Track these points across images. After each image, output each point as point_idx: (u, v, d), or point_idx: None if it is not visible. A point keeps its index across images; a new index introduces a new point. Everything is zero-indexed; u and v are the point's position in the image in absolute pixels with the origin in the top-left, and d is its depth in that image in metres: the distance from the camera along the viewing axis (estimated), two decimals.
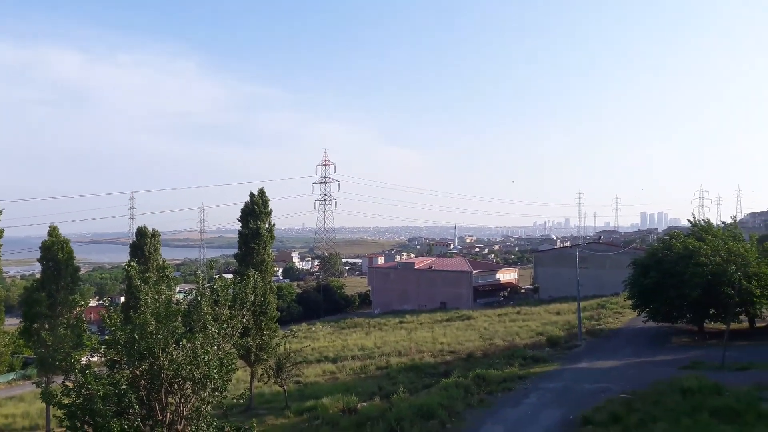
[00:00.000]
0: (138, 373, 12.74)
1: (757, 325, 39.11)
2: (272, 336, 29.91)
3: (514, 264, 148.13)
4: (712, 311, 37.07)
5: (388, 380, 32.11)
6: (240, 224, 31.87)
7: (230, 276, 21.57)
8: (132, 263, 15.39)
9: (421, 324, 60.86)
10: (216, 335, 13.83)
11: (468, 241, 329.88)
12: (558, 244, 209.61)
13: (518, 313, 61.20)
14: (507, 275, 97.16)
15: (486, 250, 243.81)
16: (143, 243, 38.71)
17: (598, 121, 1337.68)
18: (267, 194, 32.37)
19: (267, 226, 31.73)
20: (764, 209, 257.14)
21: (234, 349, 15.21)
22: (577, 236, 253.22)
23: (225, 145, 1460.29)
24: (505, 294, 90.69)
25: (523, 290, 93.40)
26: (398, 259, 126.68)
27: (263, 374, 29.40)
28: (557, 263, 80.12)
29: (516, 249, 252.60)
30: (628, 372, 27.72)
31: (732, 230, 42.29)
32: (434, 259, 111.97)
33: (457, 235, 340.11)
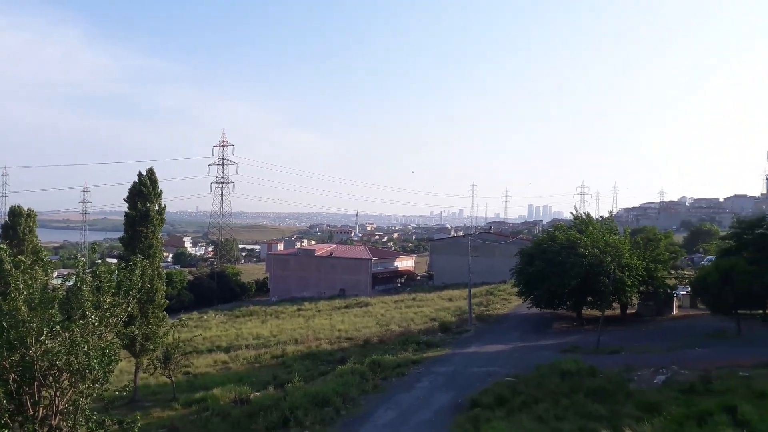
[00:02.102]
0: (6, 365, 11.73)
1: (628, 311, 42.58)
2: (160, 325, 28.58)
3: (411, 252, 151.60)
4: (589, 299, 39.91)
5: (283, 369, 31.84)
6: (127, 205, 30.14)
7: (115, 261, 20.36)
8: (3, 245, 14.09)
9: (319, 311, 60.84)
10: (97, 324, 13.02)
11: (369, 228, 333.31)
12: (452, 233, 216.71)
13: (414, 299, 62.76)
14: (404, 263, 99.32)
15: (385, 238, 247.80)
16: (17, 223, 35.94)
17: (489, 116, 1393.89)
18: (157, 174, 30.88)
19: (157, 208, 30.23)
20: (637, 205, 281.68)
21: (117, 339, 14.40)
22: (469, 226, 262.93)
23: (113, 119, 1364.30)
24: (402, 281, 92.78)
25: (419, 277, 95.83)
26: (298, 245, 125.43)
27: (149, 365, 28.12)
28: (451, 251, 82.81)
29: (414, 237, 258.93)
30: (514, 356, 29.25)
31: (609, 224, 45.81)
32: (335, 246, 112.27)
33: (358, 222, 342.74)
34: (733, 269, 30.94)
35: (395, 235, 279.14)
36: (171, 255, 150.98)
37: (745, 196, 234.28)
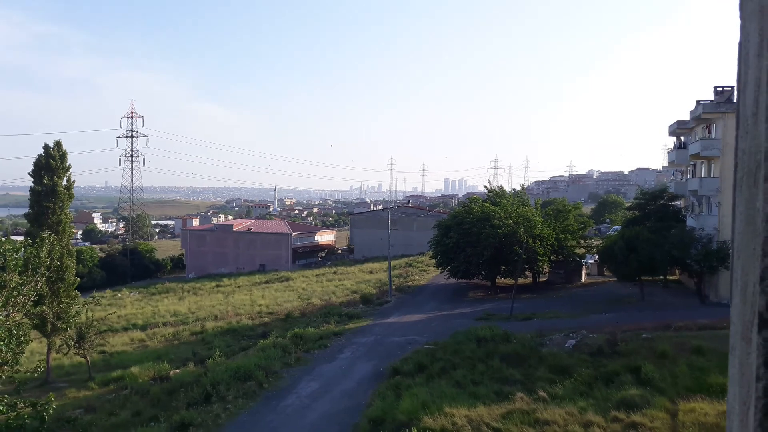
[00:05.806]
0: None
1: (540, 280, 44.85)
2: (71, 304, 27.41)
3: (331, 226, 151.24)
4: (503, 268, 41.64)
5: (203, 345, 31.41)
6: (32, 180, 28.46)
7: (20, 238, 19.19)
8: None
9: (239, 287, 59.94)
10: (2, 304, 12.43)
11: (288, 203, 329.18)
12: (372, 207, 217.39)
13: (335, 273, 63.14)
14: (325, 237, 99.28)
15: (305, 213, 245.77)
16: None
17: (406, 91, 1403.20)
18: (64, 147, 29.27)
19: (65, 182, 28.79)
20: (547, 178, 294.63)
21: (26, 319, 13.80)
22: (388, 200, 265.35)
23: (12, 90, 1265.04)
24: (323, 255, 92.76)
25: (339, 251, 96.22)
26: (215, 221, 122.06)
27: (62, 345, 26.95)
28: (371, 225, 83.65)
29: (334, 211, 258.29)
30: (432, 324, 30.25)
31: (521, 196, 47.76)
32: (253, 221, 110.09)
33: (277, 197, 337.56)
34: (637, 238, 33.01)
35: (315, 210, 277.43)
36: (80, 232, 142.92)
37: (648, 168, 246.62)
